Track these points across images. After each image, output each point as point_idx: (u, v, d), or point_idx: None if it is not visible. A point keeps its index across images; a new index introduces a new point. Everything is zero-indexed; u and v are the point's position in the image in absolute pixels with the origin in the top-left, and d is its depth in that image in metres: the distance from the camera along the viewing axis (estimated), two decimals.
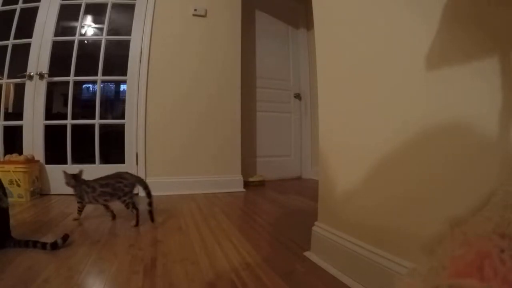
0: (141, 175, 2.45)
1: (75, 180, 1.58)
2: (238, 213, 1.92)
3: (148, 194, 1.55)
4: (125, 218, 1.65)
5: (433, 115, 0.73)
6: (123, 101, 2.57)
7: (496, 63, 0.60)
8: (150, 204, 1.55)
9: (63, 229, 1.48)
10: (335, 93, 1.13)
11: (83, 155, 2.58)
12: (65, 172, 1.59)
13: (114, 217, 1.66)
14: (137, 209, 1.55)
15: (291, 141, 3.48)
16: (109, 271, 1.02)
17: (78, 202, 1.59)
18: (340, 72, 1.10)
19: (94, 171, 2.42)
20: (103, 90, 2.77)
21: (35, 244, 1.18)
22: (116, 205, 1.63)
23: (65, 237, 1.22)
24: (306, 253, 1.19)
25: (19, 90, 2.59)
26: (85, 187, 1.56)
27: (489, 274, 0.18)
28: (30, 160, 2.23)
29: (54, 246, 1.17)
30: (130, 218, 1.59)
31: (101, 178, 1.58)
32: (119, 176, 1.57)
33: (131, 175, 1.60)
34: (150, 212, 1.57)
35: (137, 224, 1.53)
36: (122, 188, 1.54)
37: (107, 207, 1.66)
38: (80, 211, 1.61)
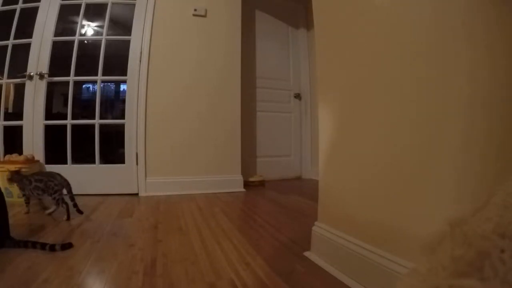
0: (141, 175, 2.46)
1: (17, 175, 1.74)
2: (238, 213, 1.92)
3: (71, 198, 1.69)
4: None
5: (433, 116, 0.73)
6: (123, 101, 2.57)
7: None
8: (75, 205, 1.70)
9: (63, 229, 1.48)
10: (335, 93, 1.13)
11: (83, 155, 2.57)
12: (8, 170, 1.80)
13: (45, 209, 1.78)
14: (66, 204, 1.68)
15: (291, 141, 3.47)
16: (109, 271, 1.02)
17: (23, 195, 1.74)
18: (340, 71, 1.10)
19: (94, 171, 2.44)
20: (103, 90, 2.76)
21: (34, 244, 1.18)
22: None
23: (67, 245, 1.21)
24: (306, 253, 1.19)
25: (19, 90, 2.58)
26: (25, 180, 1.70)
27: (489, 274, 0.18)
28: (30, 160, 2.23)
29: (52, 248, 1.17)
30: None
31: (36, 174, 1.74)
32: (51, 175, 1.70)
33: (61, 177, 1.71)
34: (78, 210, 1.71)
35: (68, 218, 1.64)
36: (52, 186, 1.67)
37: (40, 200, 1.81)
38: (27, 203, 1.75)
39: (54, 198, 1.66)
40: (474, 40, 0.64)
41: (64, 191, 1.68)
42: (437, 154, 0.72)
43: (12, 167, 2.10)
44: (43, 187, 1.66)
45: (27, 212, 1.74)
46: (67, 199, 1.68)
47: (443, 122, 0.71)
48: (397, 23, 0.84)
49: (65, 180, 1.70)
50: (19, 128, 2.41)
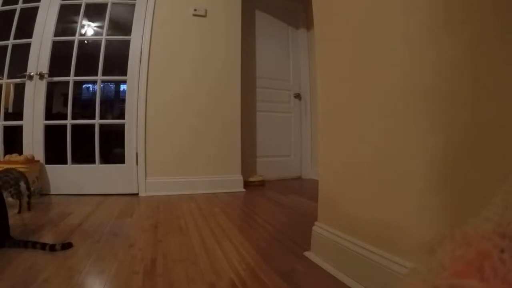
0: (141, 175, 2.46)
1: None
2: (238, 213, 1.92)
3: (28, 189, 1.80)
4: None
5: (425, 112, 0.73)
6: (123, 101, 2.57)
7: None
8: (29, 196, 1.81)
9: (63, 229, 1.48)
10: (335, 93, 1.13)
11: (83, 155, 2.57)
12: None
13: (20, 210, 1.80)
14: (20, 199, 1.76)
15: (291, 141, 3.47)
16: (109, 271, 1.02)
17: None
18: (340, 71, 1.10)
19: (94, 171, 2.44)
20: (103, 90, 2.77)
21: (34, 244, 1.18)
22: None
23: (67, 245, 1.21)
24: (306, 253, 1.19)
25: (19, 90, 2.59)
26: None
27: (489, 274, 0.18)
28: (30, 160, 2.23)
29: (52, 248, 1.17)
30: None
31: None
32: (8, 171, 1.79)
33: (17, 171, 1.81)
34: (28, 203, 1.82)
35: (19, 212, 1.74)
36: (8, 181, 1.74)
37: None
38: None
39: (10, 192, 1.72)
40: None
41: (23, 184, 1.75)
42: (422, 152, 0.74)
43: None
44: (1, 183, 1.71)
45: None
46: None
47: (431, 119, 0.73)
48: (389, 19, 0.84)
49: (21, 173, 1.77)
50: (19, 128, 2.41)
